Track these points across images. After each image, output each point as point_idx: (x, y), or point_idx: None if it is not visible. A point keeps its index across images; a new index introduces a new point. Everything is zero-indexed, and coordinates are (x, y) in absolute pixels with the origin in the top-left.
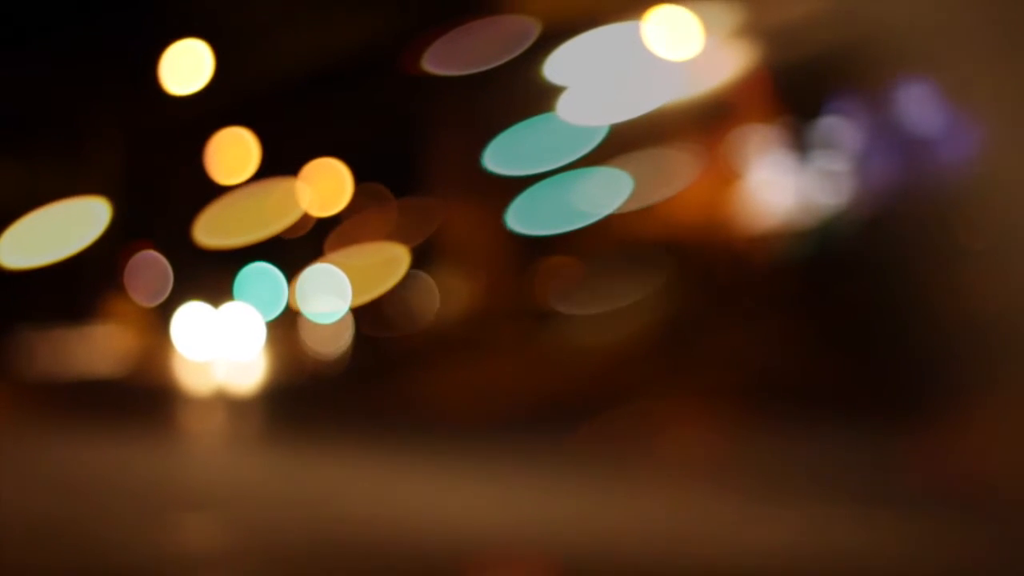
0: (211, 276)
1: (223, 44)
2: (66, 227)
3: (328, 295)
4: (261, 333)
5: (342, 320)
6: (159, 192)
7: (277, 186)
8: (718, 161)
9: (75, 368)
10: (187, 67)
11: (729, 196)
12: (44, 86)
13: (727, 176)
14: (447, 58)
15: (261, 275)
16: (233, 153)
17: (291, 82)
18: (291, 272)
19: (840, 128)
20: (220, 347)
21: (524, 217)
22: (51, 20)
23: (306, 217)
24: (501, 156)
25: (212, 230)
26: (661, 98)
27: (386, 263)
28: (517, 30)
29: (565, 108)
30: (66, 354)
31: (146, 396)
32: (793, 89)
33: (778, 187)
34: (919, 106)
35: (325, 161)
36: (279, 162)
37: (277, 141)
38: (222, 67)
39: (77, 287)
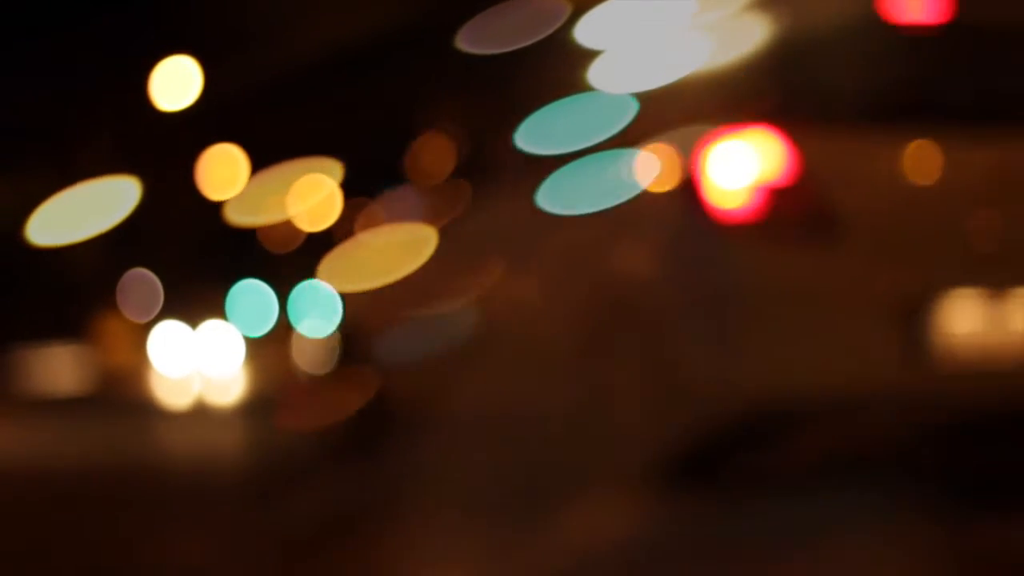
0: (201, 293)
1: (219, 53)
2: (97, 206)
3: (320, 311)
4: (241, 350)
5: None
6: (150, 209)
7: (304, 167)
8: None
9: (66, 385)
10: (176, 83)
11: None
12: (35, 102)
13: None
14: (481, 37)
15: (252, 292)
16: (223, 169)
17: (309, 68)
18: (283, 289)
19: None
20: (200, 364)
21: (556, 196)
22: (41, 36)
23: (297, 232)
24: (535, 135)
25: (242, 208)
26: (695, 63)
27: (409, 245)
28: (550, 8)
29: (599, 75)
30: (58, 371)
31: (129, 412)
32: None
33: None
34: None
35: (314, 176)
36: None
37: (283, 140)
38: (216, 78)
39: (69, 305)
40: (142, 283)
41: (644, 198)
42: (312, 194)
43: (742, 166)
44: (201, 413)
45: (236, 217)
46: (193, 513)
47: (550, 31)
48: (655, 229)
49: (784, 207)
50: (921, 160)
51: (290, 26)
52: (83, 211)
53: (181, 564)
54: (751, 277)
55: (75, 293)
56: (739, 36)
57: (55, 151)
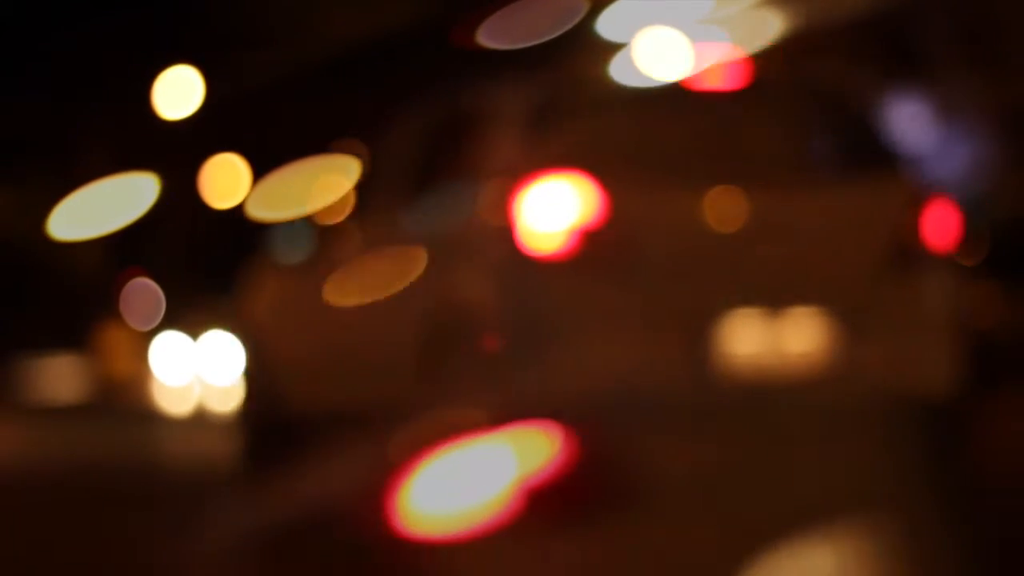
0: (203, 302)
1: (224, 57)
2: (115, 202)
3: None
4: (242, 359)
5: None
6: (153, 217)
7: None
8: None
9: (68, 393)
10: (179, 92)
11: None
12: (37, 112)
13: None
14: (500, 33)
15: None
16: (225, 177)
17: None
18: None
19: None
20: (201, 372)
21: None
22: (45, 45)
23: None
24: None
25: (264, 202)
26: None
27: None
28: (567, 4)
29: (619, 67)
30: (60, 380)
31: (130, 419)
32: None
33: None
34: (912, 122)
35: (331, 174)
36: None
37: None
38: (220, 83)
39: (72, 313)
40: (144, 292)
41: (480, 227)
42: (328, 193)
43: (556, 209)
44: (201, 421)
45: (257, 214)
46: (192, 518)
47: (569, 26)
48: (488, 256)
49: (593, 246)
50: (714, 205)
51: (296, 28)
52: (104, 206)
53: (178, 567)
54: (563, 302)
55: (77, 302)
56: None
57: (57, 160)
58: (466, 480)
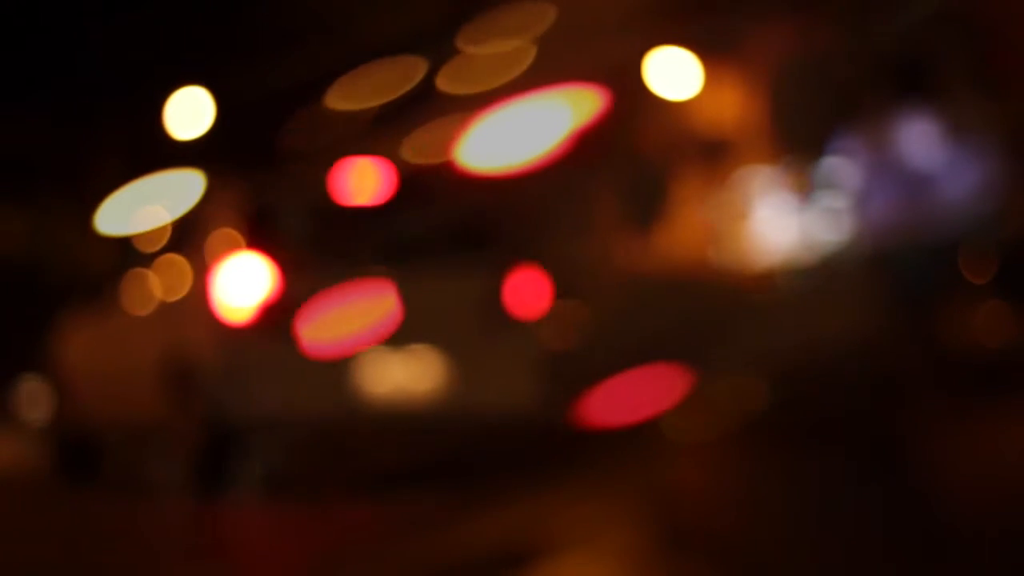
0: None
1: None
2: (162, 197)
3: None
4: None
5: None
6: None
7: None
8: (720, 198)
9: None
10: (190, 112)
11: (732, 233)
12: (47, 133)
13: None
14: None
15: None
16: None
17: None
18: None
19: (842, 166)
20: None
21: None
22: (54, 64)
23: None
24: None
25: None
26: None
27: None
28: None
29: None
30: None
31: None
32: (796, 127)
33: (780, 225)
34: (921, 142)
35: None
36: None
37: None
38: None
39: None
40: None
41: (199, 294)
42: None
43: (245, 284)
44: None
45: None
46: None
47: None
48: (203, 318)
49: (270, 314)
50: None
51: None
52: (149, 202)
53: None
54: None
55: None
56: None
57: (68, 181)
58: (520, 132)
